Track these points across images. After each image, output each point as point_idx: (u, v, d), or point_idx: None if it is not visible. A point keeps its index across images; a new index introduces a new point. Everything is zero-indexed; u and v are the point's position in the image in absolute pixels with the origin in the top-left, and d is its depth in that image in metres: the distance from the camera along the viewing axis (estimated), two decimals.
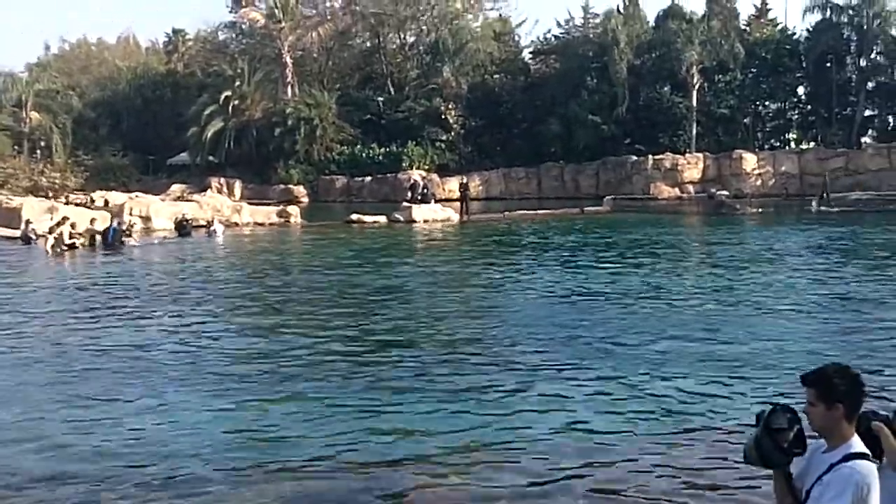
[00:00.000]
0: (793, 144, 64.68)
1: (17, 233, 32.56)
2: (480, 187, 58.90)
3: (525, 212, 42.44)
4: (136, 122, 73.84)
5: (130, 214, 34.82)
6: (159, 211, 36.87)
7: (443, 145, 64.13)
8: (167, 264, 24.70)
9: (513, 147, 64.34)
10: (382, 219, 38.27)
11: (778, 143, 64.78)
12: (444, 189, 55.77)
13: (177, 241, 31.64)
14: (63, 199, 42.33)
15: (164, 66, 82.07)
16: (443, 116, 64.48)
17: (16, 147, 63.53)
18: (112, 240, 29.57)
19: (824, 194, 44.57)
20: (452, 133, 64.57)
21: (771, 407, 3.83)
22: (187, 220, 34.38)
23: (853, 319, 14.07)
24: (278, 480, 7.43)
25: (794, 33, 64.69)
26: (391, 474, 7.56)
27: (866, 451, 3.68)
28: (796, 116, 65.91)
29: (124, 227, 31.02)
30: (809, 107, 64.43)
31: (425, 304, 16.51)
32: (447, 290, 18.34)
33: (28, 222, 31.89)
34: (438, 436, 8.46)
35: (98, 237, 29.91)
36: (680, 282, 18.84)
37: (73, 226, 29.39)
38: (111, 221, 30.99)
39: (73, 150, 66.35)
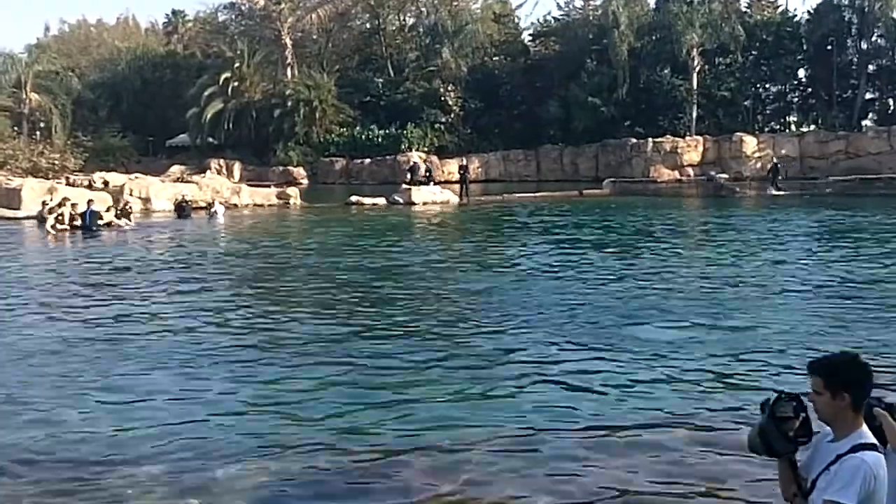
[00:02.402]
0: (793, 127, 64.53)
1: (18, 213, 32.54)
2: (479, 169, 58.83)
3: (524, 194, 42.40)
4: (135, 104, 73.63)
5: (130, 195, 34.77)
6: (159, 192, 36.78)
7: (442, 127, 64.01)
8: (167, 246, 24.67)
9: (512, 129, 64.19)
10: (382, 201, 38.27)
11: (778, 126, 64.62)
12: (443, 171, 55.71)
13: (176, 223, 31.56)
14: (63, 180, 42.23)
15: (163, 47, 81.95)
16: (442, 98, 64.36)
17: (15, 128, 63.33)
18: (90, 223, 28.39)
19: (776, 178, 44.42)
20: (452, 115, 64.47)
21: (776, 394, 3.82)
22: (187, 202, 34.28)
23: (857, 303, 14.08)
24: (279, 464, 7.46)
25: (795, 16, 64.61)
26: (391, 458, 7.59)
27: (875, 441, 3.65)
28: (797, 99, 65.79)
29: (121, 208, 30.92)
30: (810, 89, 64.28)
31: (424, 285, 16.53)
32: (446, 272, 18.36)
33: (45, 203, 31.48)
34: (441, 419, 8.49)
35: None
36: (678, 264, 18.85)
37: (73, 206, 29.32)
38: (88, 203, 29.46)
39: (72, 131, 66.20)
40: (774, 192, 42.17)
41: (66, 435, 8.22)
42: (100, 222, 29.01)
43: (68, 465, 7.50)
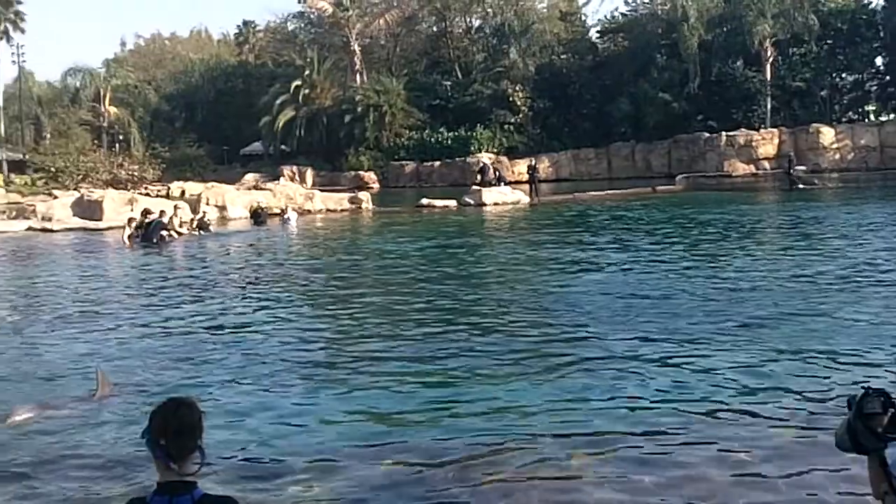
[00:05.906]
0: (872, 117, 62.93)
1: (100, 224, 33.35)
2: (550, 169, 58.65)
3: (596, 193, 42.11)
4: (209, 114, 75.35)
5: (206, 204, 35.47)
6: (234, 200, 37.50)
7: (511, 128, 63.99)
8: (243, 254, 25.01)
9: (581, 128, 63.88)
10: (452, 203, 38.38)
11: (856, 116, 63.07)
12: (513, 172, 55.64)
13: (250, 230, 31.95)
14: (142, 191, 43.34)
15: (235, 57, 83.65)
16: (510, 99, 64.32)
17: (95, 141, 65.29)
18: (152, 233, 27.06)
19: (791, 172, 42.36)
20: (520, 115, 64.37)
21: (863, 391, 3.75)
22: (262, 209, 34.81)
23: None
24: (343, 470, 7.53)
25: (871, 2, 62.89)
26: (459, 462, 7.61)
27: None
28: (875, 88, 64.11)
29: (200, 217, 31.40)
30: (888, 77, 62.55)
31: (500, 287, 16.51)
32: (521, 273, 18.34)
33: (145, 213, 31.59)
34: (516, 420, 8.48)
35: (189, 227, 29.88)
36: (759, 259, 18.48)
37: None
38: (158, 213, 28.55)
39: (150, 142, 67.98)
40: (790, 188, 40.10)
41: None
42: (163, 233, 27.97)
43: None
